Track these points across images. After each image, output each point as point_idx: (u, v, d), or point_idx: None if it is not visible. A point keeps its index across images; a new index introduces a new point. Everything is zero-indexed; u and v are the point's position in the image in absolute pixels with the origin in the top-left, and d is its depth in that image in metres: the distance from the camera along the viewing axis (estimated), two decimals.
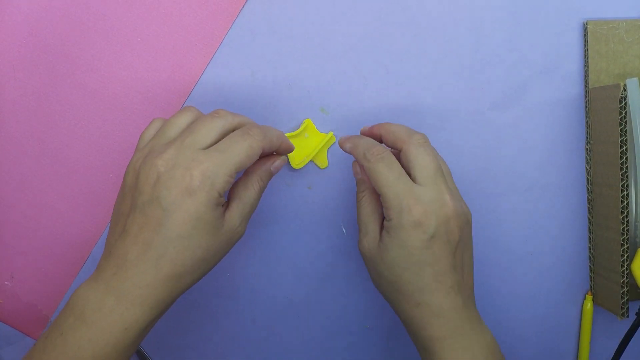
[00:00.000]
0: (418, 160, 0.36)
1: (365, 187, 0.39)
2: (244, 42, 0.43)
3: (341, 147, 0.40)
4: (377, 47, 0.44)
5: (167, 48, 0.42)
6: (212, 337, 0.46)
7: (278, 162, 0.39)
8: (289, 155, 0.42)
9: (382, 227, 0.37)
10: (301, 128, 0.43)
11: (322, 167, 0.44)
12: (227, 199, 0.37)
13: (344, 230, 0.45)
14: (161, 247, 0.33)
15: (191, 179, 0.33)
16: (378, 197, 0.38)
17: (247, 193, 0.37)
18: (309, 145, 0.44)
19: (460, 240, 0.36)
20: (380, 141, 0.40)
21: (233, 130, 0.36)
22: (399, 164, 0.37)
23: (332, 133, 0.44)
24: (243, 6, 0.42)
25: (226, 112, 0.37)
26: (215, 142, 0.35)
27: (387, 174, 0.36)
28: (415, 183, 0.36)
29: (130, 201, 0.34)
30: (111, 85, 0.43)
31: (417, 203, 0.35)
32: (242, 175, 0.38)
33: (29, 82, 0.42)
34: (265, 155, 0.39)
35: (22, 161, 0.43)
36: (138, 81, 0.43)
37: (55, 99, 0.43)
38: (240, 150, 0.34)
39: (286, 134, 0.42)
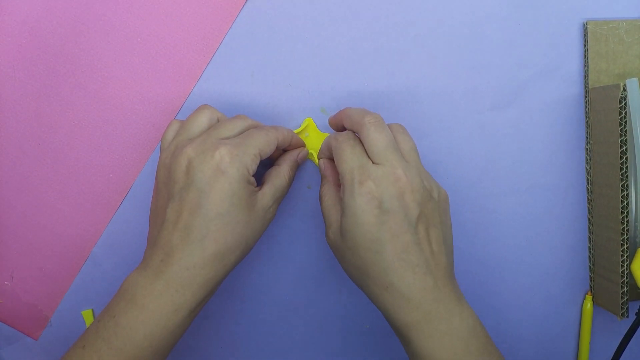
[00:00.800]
0: (369, 138, 0.37)
1: (326, 180, 0.41)
2: (244, 42, 0.43)
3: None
4: (377, 47, 0.44)
5: (167, 48, 0.42)
6: (212, 337, 0.46)
7: (302, 152, 0.42)
8: None
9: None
10: (302, 127, 0.43)
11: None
12: (260, 184, 0.39)
13: None
14: (203, 228, 0.35)
15: (221, 158, 0.35)
16: (338, 189, 0.39)
17: (279, 179, 0.40)
18: (309, 144, 0.44)
19: (421, 216, 0.35)
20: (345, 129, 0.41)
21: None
22: (362, 146, 0.38)
23: None
24: (243, 6, 0.42)
25: (247, 117, 0.40)
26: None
27: (349, 151, 0.37)
28: (372, 162, 0.37)
29: (165, 193, 0.37)
30: (111, 85, 0.43)
31: (369, 178, 0.35)
32: (274, 165, 0.41)
33: (29, 82, 0.42)
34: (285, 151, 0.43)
35: (22, 161, 0.43)
36: (138, 81, 0.43)
37: (55, 99, 0.43)
38: (259, 137, 0.37)
39: None
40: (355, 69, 0.44)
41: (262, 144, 0.37)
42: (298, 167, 0.43)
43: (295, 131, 0.43)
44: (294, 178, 0.42)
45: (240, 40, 0.43)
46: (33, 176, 0.43)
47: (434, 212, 0.36)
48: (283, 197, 0.40)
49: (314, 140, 0.44)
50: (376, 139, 0.37)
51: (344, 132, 0.40)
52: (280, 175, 0.40)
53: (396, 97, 0.44)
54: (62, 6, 0.42)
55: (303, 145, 0.43)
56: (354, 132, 0.39)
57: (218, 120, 0.40)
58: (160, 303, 0.34)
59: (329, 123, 0.43)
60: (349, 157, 0.37)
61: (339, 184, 0.40)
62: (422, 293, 0.35)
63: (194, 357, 0.46)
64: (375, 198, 0.35)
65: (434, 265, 0.35)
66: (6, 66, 0.42)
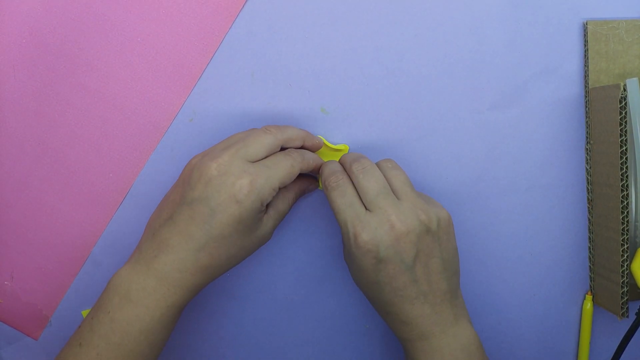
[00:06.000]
0: (360, 186, 0.38)
1: None
2: (244, 42, 0.43)
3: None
4: (377, 47, 0.44)
5: (167, 48, 0.42)
6: (212, 337, 0.46)
7: (312, 186, 0.44)
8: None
9: None
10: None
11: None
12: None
13: None
14: (202, 241, 0.36)
15: (240, 188, 0.36)
16: None
17: (283, 205, 0.41)
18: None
19: (418, 254, 0.37)
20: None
21: (280, 146, 0.39)
22: (353, 191, 0.38)
23: (347, 146, 0.44)
24: (243, 6, 0.42)
25: (275, 128, 0.40)
26: (264, 157, 0.38)
27: (339, 201, 0.38)
28: (365, 209, 0.38)
29: (181, 191, 0.38)
30: (111, 85, 0.43)
31: (363, 230, 0.37)
32: (282, 189, 0.41)
33: (29, 82, 0.42)
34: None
35: (22, 161, 0.43)
36: (138, 81, 0.43)
37: (55, 99, 0.43)
38: (284, 167, 0.38)
39: None
40: (355, 69, 0.44)
41: (284, 176, 0.38)
42: (302, 195, 0.44)
43: None
44: (294, 203, 0.43)
45: (240, 40, 0.43)
46: (33, 176, 0.43)
47: (433, 244, 0.38)
48: (281, 221, 0.42)
49: (328, 156, 0.44)
50: (366, 187, 0.38)
51: (330, 175, 0.40)
52: (285, 201, 0.41)
53: (396, 97, 0.44)
54: (62, 6, 0.42)
55: (319, 166, 0.42)
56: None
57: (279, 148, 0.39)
58: (154, 299, 0.36)
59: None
60: (341, 208, 0.38)
61: None
62: (419, 319, 0.38)
63: (195, 356, 0.46)
64: (371, 250, 0.36)
65: (432, 295, 0.38)
66: (6, 66, 0.42)
